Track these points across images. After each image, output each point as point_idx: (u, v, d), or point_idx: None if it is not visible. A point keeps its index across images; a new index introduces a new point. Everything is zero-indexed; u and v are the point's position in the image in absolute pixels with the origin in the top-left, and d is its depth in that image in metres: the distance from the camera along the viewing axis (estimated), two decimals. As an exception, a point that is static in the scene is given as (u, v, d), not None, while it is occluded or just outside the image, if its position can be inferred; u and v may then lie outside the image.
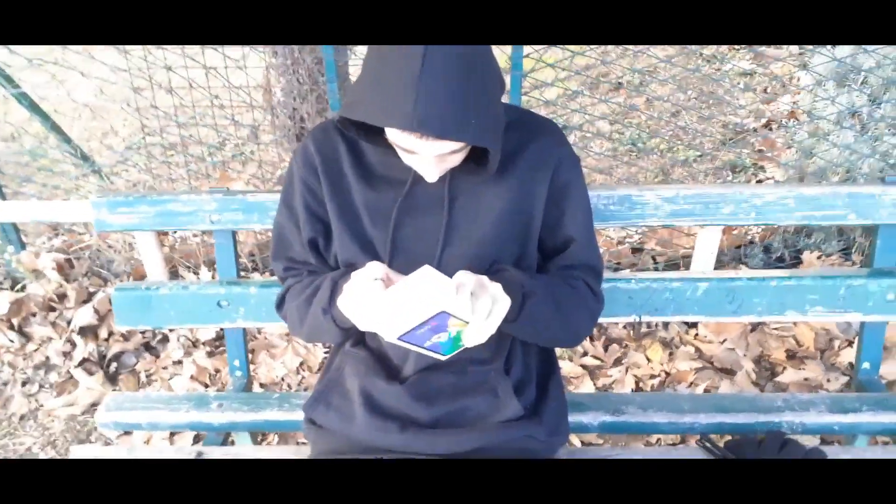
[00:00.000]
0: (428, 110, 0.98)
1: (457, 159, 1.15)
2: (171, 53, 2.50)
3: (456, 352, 1.12)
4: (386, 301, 1.02)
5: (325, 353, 2.44)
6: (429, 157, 1.09)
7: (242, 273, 2.62)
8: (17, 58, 2.49)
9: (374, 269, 1.10)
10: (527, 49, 2.17)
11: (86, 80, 2.58)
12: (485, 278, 1.09)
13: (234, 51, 2.57)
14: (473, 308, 1.04)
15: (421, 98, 0.97)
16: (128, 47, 2.48)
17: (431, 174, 1.14)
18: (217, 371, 2.41)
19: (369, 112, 1.03)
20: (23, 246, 2.69)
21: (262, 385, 2.36)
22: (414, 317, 1.00)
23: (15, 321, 2.54)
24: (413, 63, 0.98)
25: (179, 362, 2.44)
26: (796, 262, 2.66)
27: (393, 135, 1.07)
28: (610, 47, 4.03)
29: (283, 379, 2.38)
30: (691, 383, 2.25)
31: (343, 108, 1.08)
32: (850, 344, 2.34)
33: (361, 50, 2.41)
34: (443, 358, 1.14)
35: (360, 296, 1.08)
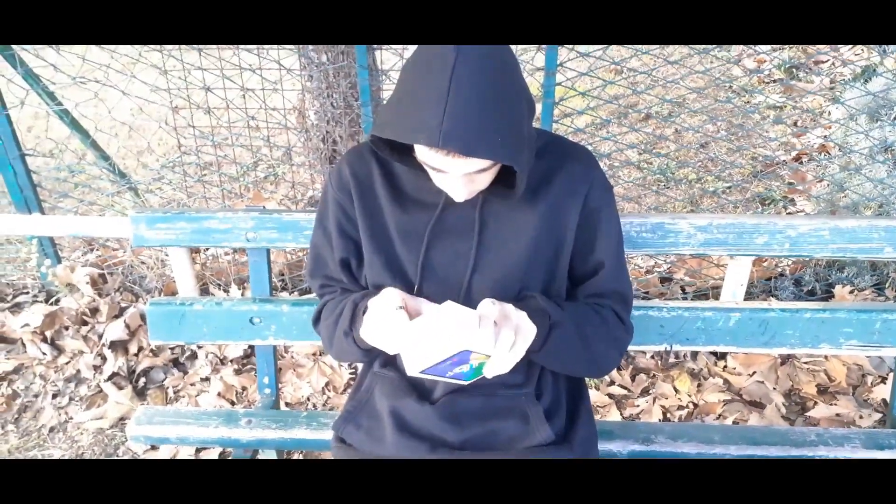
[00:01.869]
0: (454, 127, 0.99)
1: (485, 180, 1.16)
2: (210, 74, 2.55)
3: (477, 378, 1.13)
4: (408, 338, 1.03)
5: (351, 374, 2.45)
6: (456, 175, 1.10)
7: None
8: (60, 76, 2.56)
9: (393, 298, 1.12)
10: (558, 77, 2.19)
11: (125, 99, 2.64)
12: (510, 308, 1.10)
13: (271, 73, 2.63)
14: (496, 341, 1.04)
15: (448, 116, 0.99)
16: (168, 66, 2.55)
17: (459, 194, 1.15)
18: (244, 389, 2.42)
19: (398, 130, 1.05)
20: (59, 260, 2.74)
21: (287, 404, 2.38)
22: (436, 355, 1.02)
23: (48, 334, 2.58)
24: (440, 82, 1.00)
25: (207, 379, 2.46)
26: (828, 296, 2.62)
27: (421, 153, 1.09)
28: (640, 77, 4.05)
29: (308, 399, 2.39)
30: (719, 415, 2.22)
31: (374, 128, 1.10)
32: (883, 380, 2.30)
33: (395, 75, 2.45)
34: (464, 384, 1.15)
35: (384, 326, 1.10)
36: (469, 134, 1.00)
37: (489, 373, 1.08)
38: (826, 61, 4.41)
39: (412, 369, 1.04)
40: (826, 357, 2.38)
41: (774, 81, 4.32)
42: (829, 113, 3.80)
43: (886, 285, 2.62)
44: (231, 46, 2.43)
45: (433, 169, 1.11)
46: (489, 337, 1.03)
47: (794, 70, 4.35)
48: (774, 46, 4.64)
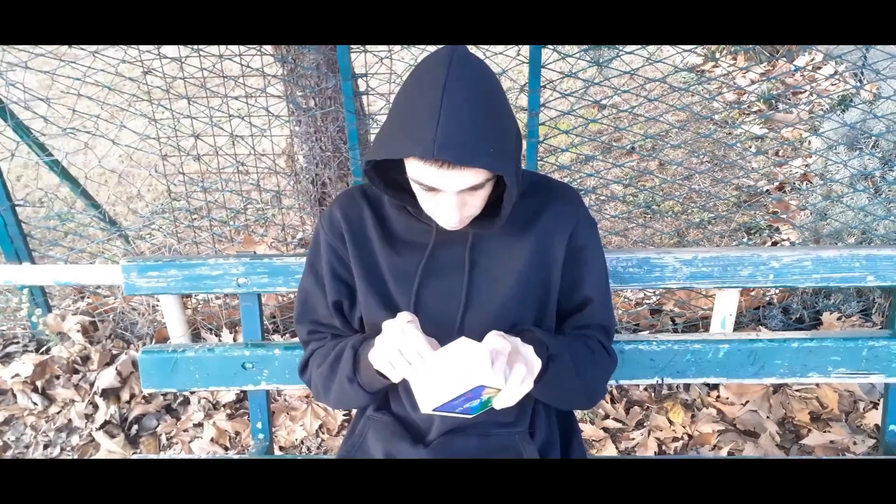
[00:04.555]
0: (448, 139, 1.01)
1: (477, 202, 1.16)
2: (199, 122, 2.59)
3: (483, 411, 1.13)
4: (423, 375, 1.04)
5: (345, 416, 2.44)
6: (451, 193, 1.10)
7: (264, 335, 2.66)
8: (51, 127, 2.59)
9: (403, 315, 1.11)
10: (541, 117, 2.23)
11: (114, 147, 2.67)
12: (518, 342, 1.10)
13: (259, 119, 2.67)
14: (509, 375, 1.04)
15: (441, 128, 1.01)
16: (157, 115, 2.58)
17: (451, 217, 1.14)
18: (237, 433, 2.41)
19: (392, 147, 1.07)
20: (49, 308, 2.74)
21: (281, 448, 2.36)
22: (452, 391, 1.02)
23: (39, 383, 2.57)
24: (433, 98, 1.03)
25: (200, 425, 2.45)
26: (816, 323, 2.65)
27: (415, 171, 1.09)
28: (622, 114, 4.12)
29: (302, 442, 2.38)
30: (714, 446, 2.23)
31: (368, 153, 1.12)
32: (875, 406, 2.32)
33: (383, 119, 2.50)
34: (470, 417, 1.15)
35: (396, 340, 1.08)
36: (463, 145, 1.02)
37: (499, 405, 1.07)
38: (804, 92, 4.51)
39: (426, 406, 1.04)
40: (817, 384, 2.39)
41: (755, 112, 4.41)
42: (810, 143, 3.88)
43: (873, 311, 2.65)
44: (220, 95, 2.47)
45: (427, 188, 1.11)
46: (501, 373, 1.03)
47: (773, 102, 4.45)
48: (753, 79, 4.75)
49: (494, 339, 1.07)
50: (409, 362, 1.07)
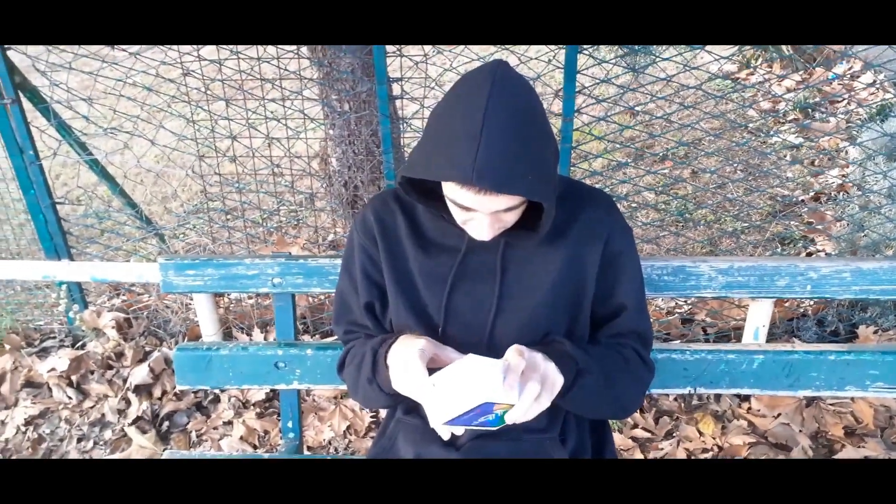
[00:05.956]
0: (487, 165, 1.01)
1: (511, 219, 1.17)
2: (236, 124, 2.63)
3: (506, 424, 1.13)
4: (429, 391, 1.04)
5: (372, 418, 2.45)
6: (485, 213, 1.11)
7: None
8: (92, 126, 2.65)
9: (411, 349, 1.13)
10: (575, 122, 2.23)
11: (152, 147, 2.72)
12: (538, 358, 1.09)
13: (294, 121, 2.69)
14: (521, 390, 1.04)
15: (481, 153, 1.01)
16: (195, 117, 2.62)
17: (485, 233, 1.15)
18: (266, 432, 2.43)
19: (430, 169, 1.07)
20: (85, 305, 2.79)
21: (309, 448, 2.38)
22: (457, 408, 1.02)
23: (74, 378, 2.62)
24: (473, 121, 1.02)
25: (230, 423, 2.47)
26: (851, 336, 2.60)
27: (451, 191, 1.10)
28: (655, 121, 4.09)
29: (330, 442, 2.39)
30: (745, 459, 2.20)
31: (404, 168, 1.13)
32: (912, 423, 2.27)
33: (416, 124, 2.51)
34: (493, 429, 1.15)
35: (405, 377, 1.12)
36: (502, 171, 1.02)
37: (510, 419, 1.07)
38: (841, 101, 4.44)
39: (436, 422, 1.05)
40: (852, 398, 2.35)
41: (791, 121, 4.35)
42: (847, 152, 3.81)
43: (911, 325, 2.59)
44: (256, 97, 2.50)
45: (462, 208, 1.12)
46: (513, 389, 1.02)
47: (809, 110, 4.38)
48: (790, 87, 4.68)
49: (510, 354, 1.07)
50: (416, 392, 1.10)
